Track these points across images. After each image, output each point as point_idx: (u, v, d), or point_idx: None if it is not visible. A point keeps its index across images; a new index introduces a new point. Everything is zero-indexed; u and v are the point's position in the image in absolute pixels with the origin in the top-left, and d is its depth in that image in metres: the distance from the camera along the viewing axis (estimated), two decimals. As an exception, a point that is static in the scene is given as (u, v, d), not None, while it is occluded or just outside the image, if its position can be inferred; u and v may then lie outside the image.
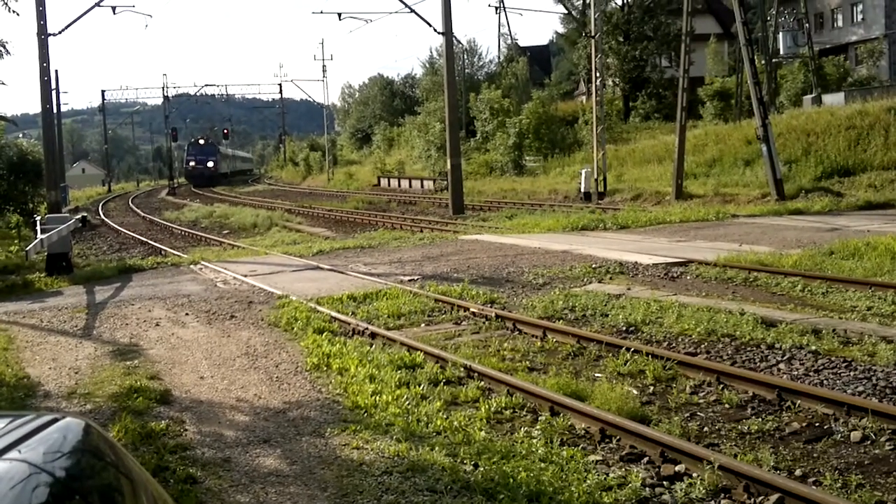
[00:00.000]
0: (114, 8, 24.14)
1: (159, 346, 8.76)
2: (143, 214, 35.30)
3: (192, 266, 15.25)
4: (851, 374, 6.76)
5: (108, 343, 9.04)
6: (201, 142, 71.60)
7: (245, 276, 13.36)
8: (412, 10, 27.75)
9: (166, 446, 5.59)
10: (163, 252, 19.22)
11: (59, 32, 20.90)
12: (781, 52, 40.48)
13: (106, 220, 32.95)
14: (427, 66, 63.94)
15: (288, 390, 6.91)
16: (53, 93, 47.00)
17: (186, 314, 10.49)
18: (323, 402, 6.54)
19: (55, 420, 1.67)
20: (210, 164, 69.70)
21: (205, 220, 29.91)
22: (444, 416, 5.97)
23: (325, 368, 7.46)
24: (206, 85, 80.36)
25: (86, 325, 10.17)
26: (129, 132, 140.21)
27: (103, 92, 71.56)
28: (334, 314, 9.70)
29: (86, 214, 30.75)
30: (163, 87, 72.25)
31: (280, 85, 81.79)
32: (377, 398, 6.37)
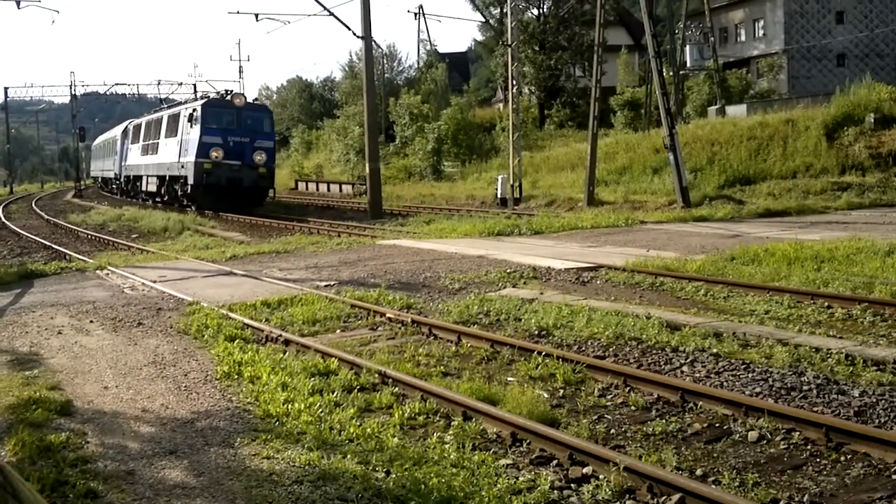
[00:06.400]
0: (18, 2, 23.17)
1: (61, 355, 8.42)
2: (47, 217, 33.84)
3: (97, 271, 14.71)
4: (750, 375, 7.06)
5: (6, 352, 8.63)
6: (237, 101, 31.06)
7: (154, 281, 12.98)
8: (331, 14, 27.60)
9: (66, 460, 5.38)
10: (67, 257, 18.48)
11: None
12: (688, 64, 42.01)
13: (7, 223, 31.44)
14: (346, 69, 63.73)
15: (197, 400, 6.76)
16: (-50, 89, 44.93)
17: (91, 321, 10.12)
18: (233, 411, 6.42)
19: None
20: (260, 156, 30.33)
21: (112, 223, 28.87)
22: (358, 424, 5.95)
23: (236, 377, 7.32)
24: (117, 84, 73.21)
25: (-19, 333, 9.69)
26: (33, 131, 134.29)
27: (6, 89, 68.10)
28: (247, 321, 9.52)
29: (-17, 217, 29.29)
30: (70, 85, 63.65)
31: (195, 85, 78.32)
32: (289, 406, 6.30)
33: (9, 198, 55.53)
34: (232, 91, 32.38)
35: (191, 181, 30.34)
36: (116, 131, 48.96)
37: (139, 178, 39.33)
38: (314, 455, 5.29)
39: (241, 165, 29.86)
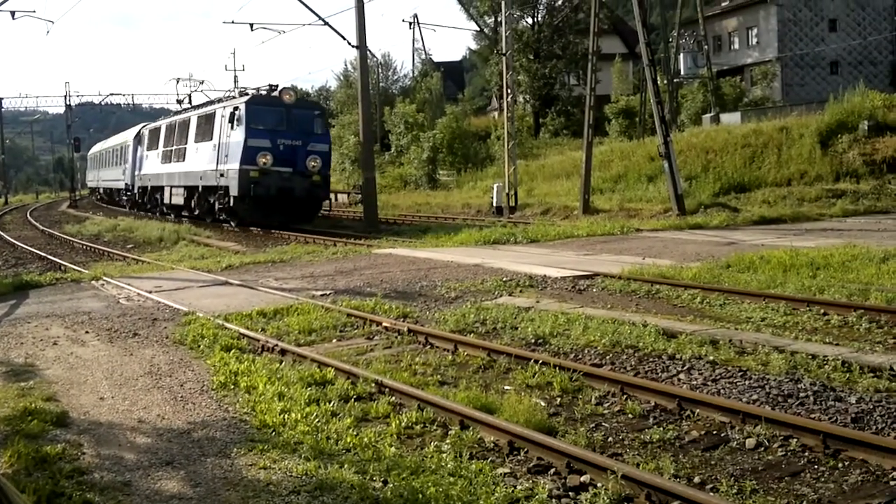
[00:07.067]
0: (13, 13, 23.22)
1: (57, 366, 8.39)
2: (42, 228, 33.77)
3: (93, 282, 14.68)
4: (746, 382, 7.06)
5: (1, 363, 8.60)
6: (286, 97, 26.39)
7: (149, 292, 12.95)
8: (326, 23, 27.63)
9: (62, 471, 5.36)
10: (62, 267, 18.43)
11: (-50, 36, 19.81)
12: (682, 72, 42.25)
13: (1, 233, 31.37)
14: (341, 78, 63.74)
15: (193, 410, 6.74)
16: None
17: (86, 332, 10.09)
18: (229, 421, 6.40)
19: None
20: (314, 162, 25.76)
21: (108, 233, 28.82)
22: (354, 433, 5.93)
23: (232, 387, 7.30)
24: (112, 94, 72.34)
25: (-24, 345, 9.65)
26: (28, 142, 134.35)
27: (0, 100, 68.15)
28: (243, 331, 9.51)
29: (-22, 228, 29.18)
30: (65, 96, 62.40)
31: (190, 95, 77.91)
32: (286, 416, 6.29)
33: (3, 208, 55.45)
34: (279, 86, 26.94)
35: (234, 192, 25.42)
36: (125, 136, 43.39)
37: (159, 189, 34.22)
38: (311, 465, 5.28)
39: (293, 173, 25.22)
